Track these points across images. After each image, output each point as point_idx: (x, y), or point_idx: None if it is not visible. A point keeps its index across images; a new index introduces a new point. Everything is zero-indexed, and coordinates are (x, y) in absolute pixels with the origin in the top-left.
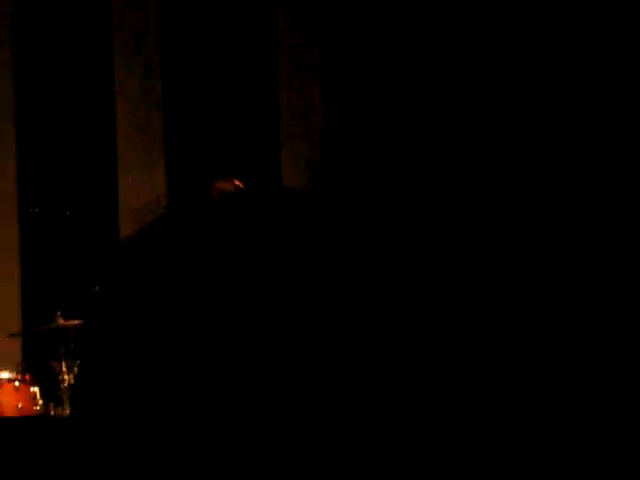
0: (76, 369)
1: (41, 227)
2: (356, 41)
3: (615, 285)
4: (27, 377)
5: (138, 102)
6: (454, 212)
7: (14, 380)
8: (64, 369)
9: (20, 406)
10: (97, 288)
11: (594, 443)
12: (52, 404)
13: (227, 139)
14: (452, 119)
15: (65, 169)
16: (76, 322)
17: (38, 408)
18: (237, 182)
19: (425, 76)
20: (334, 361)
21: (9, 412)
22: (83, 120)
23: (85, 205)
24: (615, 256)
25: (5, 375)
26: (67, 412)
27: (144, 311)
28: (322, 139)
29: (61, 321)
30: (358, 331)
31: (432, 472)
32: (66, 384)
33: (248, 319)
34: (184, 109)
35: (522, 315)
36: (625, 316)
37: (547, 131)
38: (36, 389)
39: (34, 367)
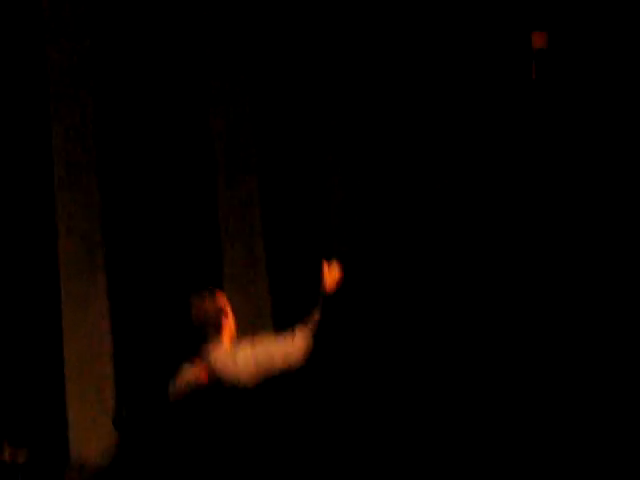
0: None
1: None
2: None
3: (615, 285)
4: None
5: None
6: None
7: None
8: None
9: None
10: None
11: (594, 443)
12: None
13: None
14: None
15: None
16: (24, 454)
17: None
18: (220, 294)
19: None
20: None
21: None
22: (22, 231)
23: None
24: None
25: None
26: None
27: None
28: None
29: (7, 454)
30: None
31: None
32: None
33: None
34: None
35: (522, 315)
36: (625, 316)
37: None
38: None
39: None
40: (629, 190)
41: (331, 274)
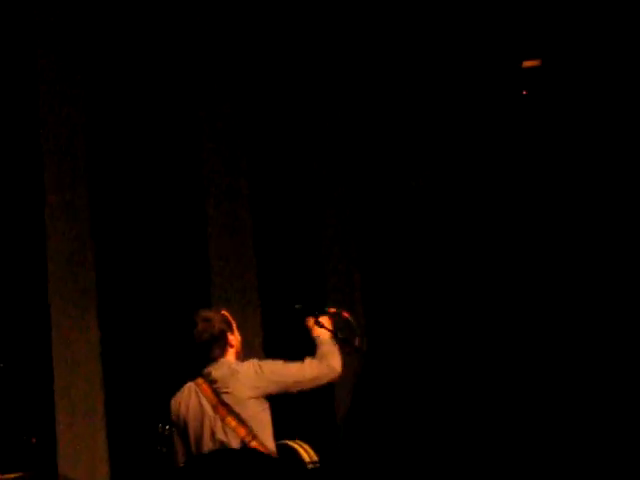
0: None
1: None
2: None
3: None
4: None
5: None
6: None
7: None
8: None
9: None
10: None
11: (594, 443)
12: None
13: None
14: None
15: None
16: (14, 476)
17: None
18: (225, 311)
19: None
20: None
21: None
22: (15, 278)
23: (19, 356)
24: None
25: None
26: None
27: None
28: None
29: None
30: None
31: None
32: None
33: None
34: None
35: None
36: (625, 316)
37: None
38: None
39: None
40: (616, 198)
41: (319, 329)
